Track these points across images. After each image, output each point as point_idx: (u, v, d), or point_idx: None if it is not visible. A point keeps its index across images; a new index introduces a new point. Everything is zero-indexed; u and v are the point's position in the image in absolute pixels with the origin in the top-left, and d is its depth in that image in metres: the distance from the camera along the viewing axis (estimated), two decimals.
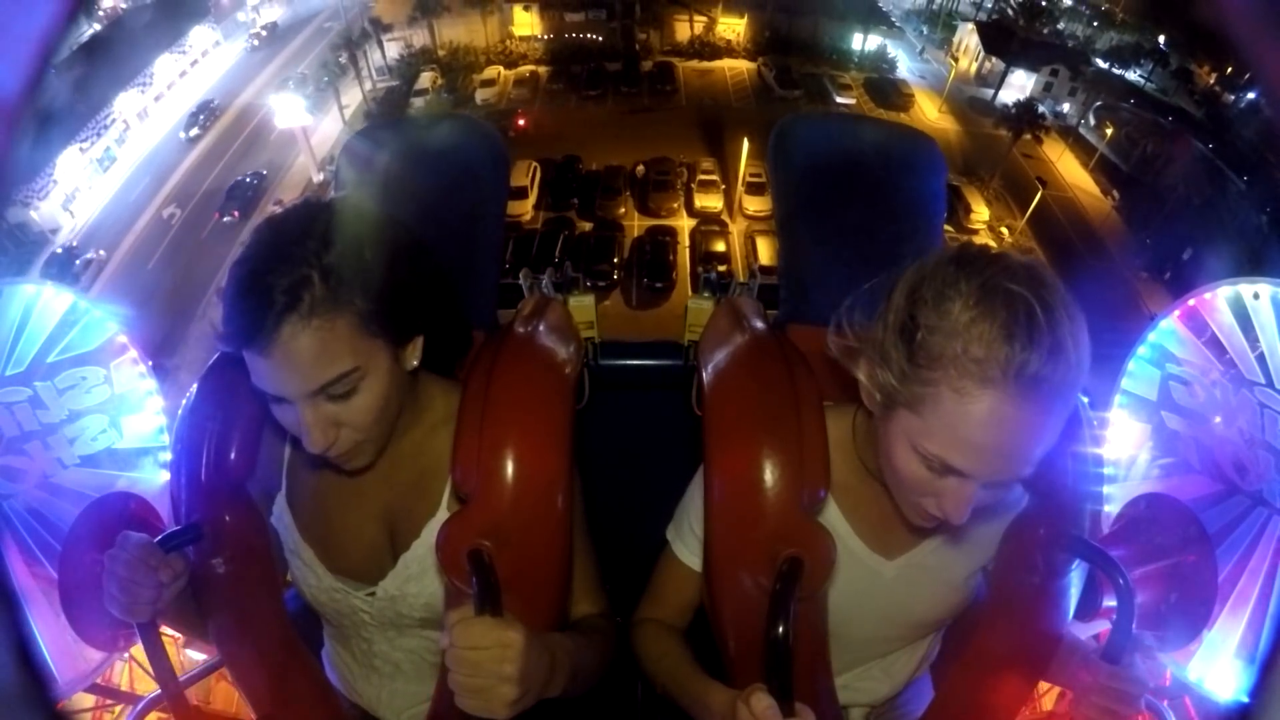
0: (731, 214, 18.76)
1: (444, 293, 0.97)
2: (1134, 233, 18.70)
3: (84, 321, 1.28)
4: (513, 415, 0.91)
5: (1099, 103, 22.03)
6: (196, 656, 1.53)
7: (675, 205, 18.98)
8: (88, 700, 1.47)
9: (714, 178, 19.46)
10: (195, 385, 1.03)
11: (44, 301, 1.25)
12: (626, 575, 1.13)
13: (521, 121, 20.99)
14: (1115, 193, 20.03)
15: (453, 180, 1.11)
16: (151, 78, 21.44)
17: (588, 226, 18.32)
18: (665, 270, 17.01)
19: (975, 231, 18.34)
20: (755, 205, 18.22)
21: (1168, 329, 1.29)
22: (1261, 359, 1.14)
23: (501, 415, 0.91)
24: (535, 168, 19.11)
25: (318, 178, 19.27)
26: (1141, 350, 1.33)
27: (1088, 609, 1.08)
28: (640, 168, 19.53)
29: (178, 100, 21.77)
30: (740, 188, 18.82)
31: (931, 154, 1.17)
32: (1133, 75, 22.97)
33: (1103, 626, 1.13)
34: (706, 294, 1.43)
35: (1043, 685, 1.32)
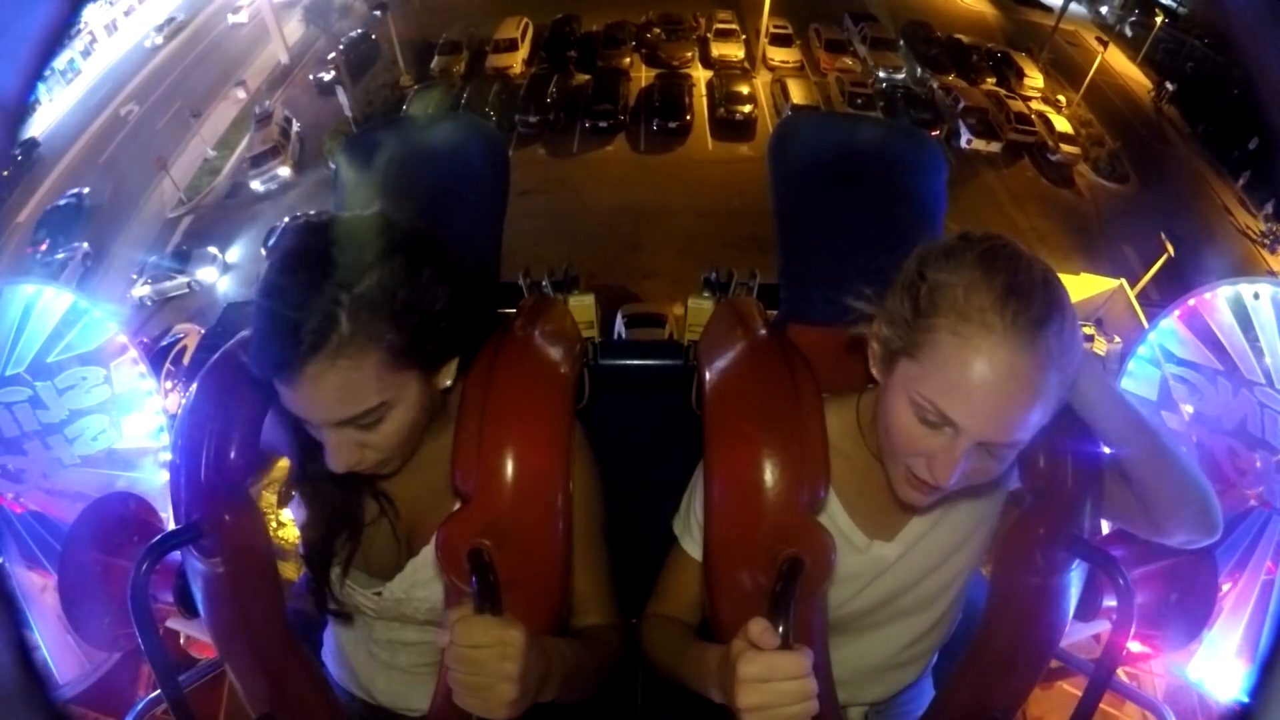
0: (754, 66, 16.88)
1: (473, 303, 0.91)
2: (1192, 123, 17.73)
3: (84, 321, 1.28)
4: (512, 415, 0.91)
5: (1134, 17, 20.98)
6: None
7: (689, 55, 16.80)
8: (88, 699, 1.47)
9: (733, 27, 17.24)
10: (195, 385, 1.02)
11: (44, 301, 1.25)
12: (626, 576, 1.13)
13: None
14: (1169, 84, 18.82)
15: (452, 180, 1.11)
16: None
17: (585, 79, 16.24)
18: (679, 110, 14.87)
19: (1029, 97, 16.52)
20: (782, 56, 16.11)
21: (1168, 329, 1.29)
22: (1261, 359, 1.14)
23: (501, 415, 0.91)
24: (526, 22, 17.60)
25: (285, 60, 18.26)
26: (1141, 350, 1.33)
27: (1088, 609, 1.08)
28: (655, 29, 17.14)
29: (148, 16, 20.69)
30: (764, 39, 16.88)
31: (932, 153, 1.17)
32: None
33: (1103, 626, 1.13)
34: (706, 294, 1.43)
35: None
